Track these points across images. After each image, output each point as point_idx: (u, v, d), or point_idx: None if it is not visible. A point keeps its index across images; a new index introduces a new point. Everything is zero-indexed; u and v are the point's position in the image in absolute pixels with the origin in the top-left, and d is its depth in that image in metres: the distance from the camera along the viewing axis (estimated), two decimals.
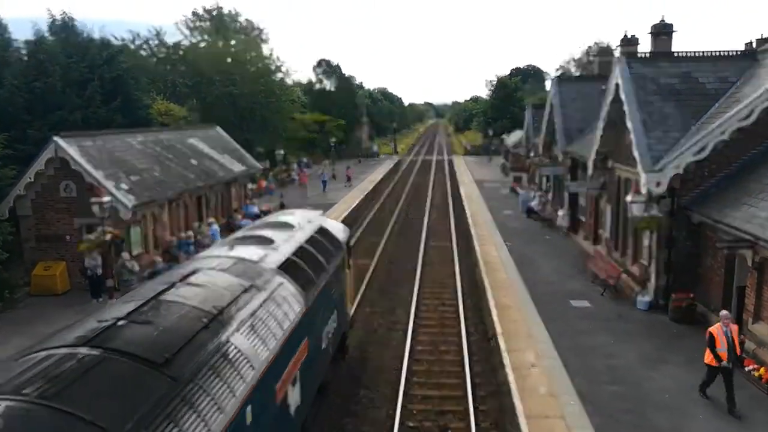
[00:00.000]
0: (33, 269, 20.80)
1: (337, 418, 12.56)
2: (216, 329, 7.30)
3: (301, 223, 13.52)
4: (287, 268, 10.41)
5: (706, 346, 11.69)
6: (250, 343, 7.68)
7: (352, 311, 17.21)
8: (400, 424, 12.21)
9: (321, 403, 12.43)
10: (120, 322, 6.81)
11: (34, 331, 16.77)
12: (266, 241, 11.29)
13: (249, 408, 7.04)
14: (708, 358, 11.68)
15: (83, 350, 6.07)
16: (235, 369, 7.01)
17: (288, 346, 8.85)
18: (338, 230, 14.95)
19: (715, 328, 11.64)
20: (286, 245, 11.41)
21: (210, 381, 6.44)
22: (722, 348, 11.47)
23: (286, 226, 12.95)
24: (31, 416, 4.92)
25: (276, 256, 10.62)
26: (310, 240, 12.51)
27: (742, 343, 12.41)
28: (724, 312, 12.18)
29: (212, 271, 9.21)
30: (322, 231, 13.72)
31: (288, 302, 9.47)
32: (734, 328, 11.76)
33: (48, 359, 5.98)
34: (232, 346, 7.27)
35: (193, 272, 8.98)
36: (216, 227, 25.99)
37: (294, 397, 9.32)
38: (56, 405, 5.06)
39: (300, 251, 11.50)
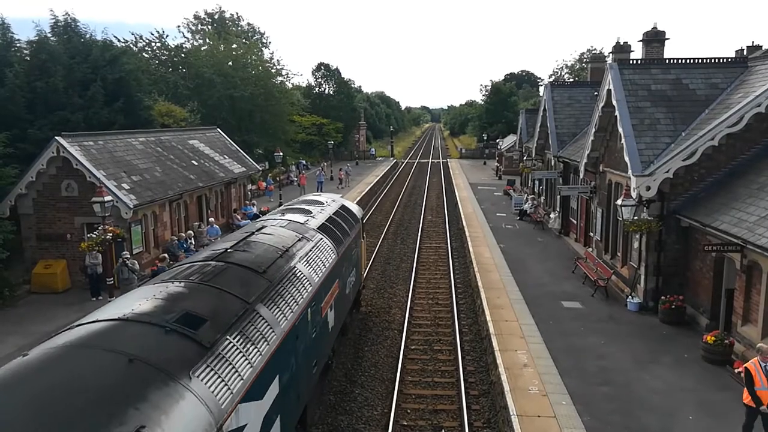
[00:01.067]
0: (34, 267, 21.02)
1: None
2: (287, 258, 11.07)
3: (328, 201, 17.83)
4: (323, 229, 14.38)
5: (743, 384, 10.44)
6: (307, 271, 11.40)
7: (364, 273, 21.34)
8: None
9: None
10: (229, 250, 10.43)
11: (35, 329, 17.02)
12: (306, 212, 15.35)
13: (309, 310, 10.69)
14: (746, 397, 10.23)
15: (212, 263, 9.66)
16: (300, 283, 10.63)
17: (327, 280, 12.51)
18: (355, 209, 19.20)
19: (752, 364, 10.15)
20: (320, 215, 15.46)
21: (288, 286, 10.07)
22: (762, 386, 9.98)
23: (318, 203, 17.18)
24: (200, 289, 8.37)
25: (315, 221, 14.59)
26: (336, 213, 16.56)
27: None
28: (762, 345, 10.45)
29: (275, 227, 12.98)
30: (344, 208, 17.88)
31: (326, 251, 13.32)
32: None
33: (193, 267, 9.49)
34: (297, 269, 10.98)
35: (263, 227, 12.75)
36: (217, 227, 26.37)
37: (330, 318, 13.05)
38: (212, 284, 8.53)
39: (330, 219, 15.47)
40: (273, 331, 8.56)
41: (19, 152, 22.63)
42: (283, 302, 9.49)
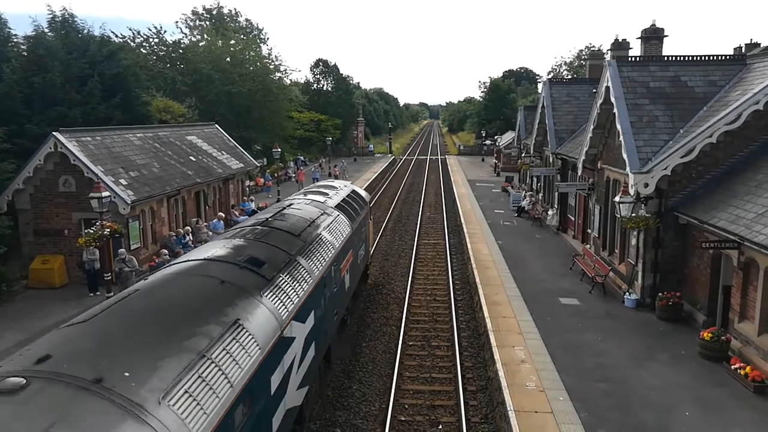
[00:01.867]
0: (31, 263, 21.01)
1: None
2: (314, 227, 13.75)
3: (341, 186, 20.88)
4: (339, 207, 17.03)
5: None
6: (330, 237, 14.08)
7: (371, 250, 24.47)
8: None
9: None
10: (269, 219, 13.19)
11: (32, 325, 17.01)
12: (324, 194, 18.13)
13: (332, 268, 13.30)
14: None
15: (259, 227, 12.36)
16: (325, 246, 13.27)
17: (344, 248, 15.14)
18: (364, 194, 22.07)
19: None
20: (336, 196, 18.24)
21: (317, 247, 12.68)
22: None
23: (333, 187, 20.14)
24: (256, 244, 11.04)
25: (332, 201, 17.33)
26: (348, 195, 19.28)
27: None
28: None
29: (301, 204, 15.72)
30: (354, 192, 20.75)
31: (343, 224, 16.04)
32: None
33: (245, 229, 12.26)
34: (322, 236, 13.62)
35: (291, 204, 15.64)
36: (221, 223, 26.83)
37: (346, 280, 15.72)
38: (263, 241, 11.24)
39: (344, 200, 18.18)
40: (309, 276, 11.32)
41: (16, 148, 22.62)
42: (315, 257, 12.21)
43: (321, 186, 20.56)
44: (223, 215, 27.86)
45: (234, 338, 7.49)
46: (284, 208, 14.72)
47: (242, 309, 8.21)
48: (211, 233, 25.23)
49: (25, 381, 5.33)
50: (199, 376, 6.40)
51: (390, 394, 13.64)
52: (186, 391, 6.06)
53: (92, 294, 19.80)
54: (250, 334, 7.91)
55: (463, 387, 13.94)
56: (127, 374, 5.77)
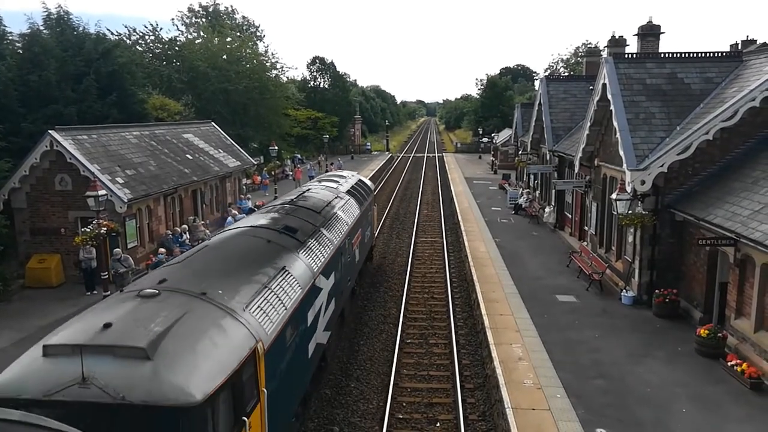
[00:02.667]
0: (27, 262, 20.96)
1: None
2: (330, 207, 16.49)
3: (350, 175, 23.82)
4: (349, 192, 20.09)
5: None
6: (343, 216, 16.89)
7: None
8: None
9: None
10: (293, 199, 16.11)
11: (29, 324, 16.98)
12: (336, 181, 21.24)
13: (345, 241, 15.90)
14: None
15: (287, 206, 15.20)
16: (340, 223, 16.07)
17: (354, 226, 17.91)
18: (369, 183, 25.53)
19: None
20: (345, 183, 21.32)
21: (334, 222, 15.48)
22: None
23: (343, 176, 23.11)
24: (287, 217, 13.75)
25: (343, 188, 20.22)
26: (356, 183, 22.33)
27: None
28: None
29: (317, 189, 18.69)
30: (361, 181, 23.58)
31: (353, 207, 18.97)
32: None
33: (276, 207, 15.20)
34: (338, 214, 16.47)
35: (309, 189, 18.66)
36: (236, 213, 28.30)
37: (356, 254, 18.48)
38: (293, 215, 13.97)
39: (353, 187, 21.29)
40: (331, 244, 14.07)
41: (12, 146, 22.51)
42: (333, 230, 15.01)
43: (332, 175, 23.93)
44: (235, 210, 28.88)
45: (284, 279, 10.31)
46: (304, 192, 17.74)
47: (286, 260, 11.06)
48: (209, 233, 25.20)
49: (157, 291, 7.97)
50: (265, 299, 9.13)
51: (388, 391, 13.65)
52: (259, 306, 8.77)
53: (89, 293, 19.76)
54: (294, 278, 10.73)
55: (461, 384, 13.95)
56: (220, 292, 8.43)
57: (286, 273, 10.51)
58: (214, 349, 7.15)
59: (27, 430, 4.54)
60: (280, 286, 9.90)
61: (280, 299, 9.56)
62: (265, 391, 8.21)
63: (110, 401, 6.14)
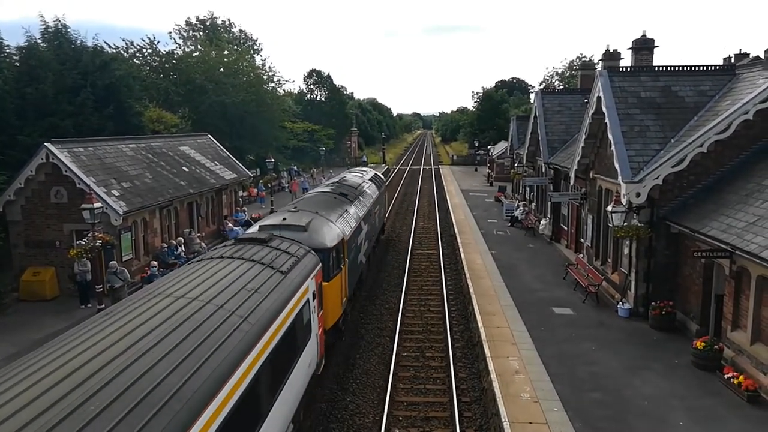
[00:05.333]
0: (22, 275, 20.85)
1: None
2: (361, 187, 25.32)
3: (368, 170, 33.80)
4: (371, 179, 28.89)
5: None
6: (369, 192, 25.59)
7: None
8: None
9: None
10: (337, 182, 25.10)
11: (23, 338, 16.86)
12: (361, 173, 30.08)
13: (371, 207, 24.15)
14: None
15: (337, 184, 24.43)
16: (367, 197, 24.45)
17: (375, 201, 26.08)
18: (382, 176, 34.71)
19: None
20: (367, 174, 30.05)
21: (364, 196, 24.11)
22: None
23: (364, 171, 32.44)
24: (338, 189, 22.39)
25: (366, 177, 28.84)
26: (374, 175, 31.21)
27: None
28: None
29: (351, 176, 27.56)
30: (377, 174, 32.70)
31: (374, 189, 27.50)
32: None
33: (328, 186, 24.13)
34: (366, 191, 25.22)
35: (344, 177, 27.11)
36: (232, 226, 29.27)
37: (376, 223, 26.47)
38: (340, 191, 22.13)
39: (371, 177, 29.81)
40: (364, 207, 22.21)
41: (7, 159, 22.51)
42: (365, 199, 23.54)
43: (356, 169, 33.83)
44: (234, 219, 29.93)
45: (349, 212, 19.07)
46: (344, 177, 27.13)
47: (347, 206, 19.79)
48: (204, 245, 25.15)
49: (296, 209, 17.04)
50: (343, 218, 17.91)
51: (384, 405, 13.57)
52: (341, 221, 17.43)
53: (83, 306, 19.67)
54: (350, 215, 19.11)
55: (458, 398, 13.88)
56: (323, 212, 16.82)
57: (347, 212, 19.30)
58: (329, 231, 15.76)
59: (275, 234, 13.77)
60: (347, 215, 18.87)
61: (348, 221, 18.34)
62: (347, 260, 16.91)
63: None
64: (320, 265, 13.34)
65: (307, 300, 11.64)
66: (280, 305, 9.55)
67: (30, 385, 5.55)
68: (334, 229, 15.98)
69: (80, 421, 5.02)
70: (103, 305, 17.35)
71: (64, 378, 5.69)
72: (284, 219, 15.38)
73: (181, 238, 24.89)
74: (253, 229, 15.61)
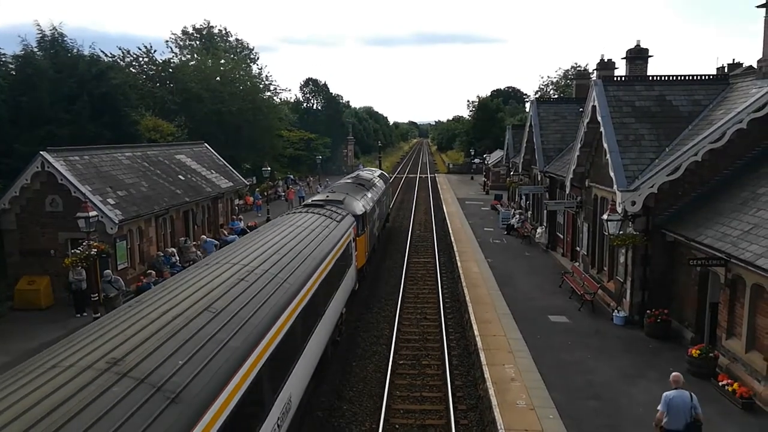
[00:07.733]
0: (17, 284, 20.75)
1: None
2: (374, 181, 33.97)
3: (376, 170, 47.38)
4: (378, 177, 37.65)
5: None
6: (378, 185, 33.84)
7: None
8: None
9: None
10: (354, 177, 33.98)
11: (17, 347, 16.76)
12: (371, 171, 42.77)
13: (381, 196, 32.30)
14: None
15: (354, 177, 33.71)
16: (378, 188, 32.82)
17: (383, 193, 34.31)
18: (387, 175, 47.11)
19: None
20: (376, 173, 40.43)
21: (373, 189, 30.87)
22: None
23: (372, 170, 45.06)
24: (357, 180, 31.50)
25: (375, 174, 39.29)
26: (381, 173, 42.48)
27: None
28: None
29: (364, 173, 37.63)
30: (383, 173, 44.13)
31: (382, 182, 36.55)
32: None
33: (349, 178, 34.27)
34: (377, 184, 33.66)
35: (358, 173, 37.39)
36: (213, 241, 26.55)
37: (384, 208, 35.99)
38: (357, 182, 30.37)
39: (379, 174, 39.93)
40: (376, 195, 30.04)
41: (3, 167, 22.47)
42: (376, 189, 31.41)
43: (366, 169, 43.51)
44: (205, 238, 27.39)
45: (367, 196, 26.88)
46: (358, 174, 35.50)
47: (365, 192, 27.40)
48: (200, 254, 25.10)
49: (332, 191, 26.66)
50: (364, 199, 25.71)
51: (380, 413, 13.54)
52: (363, 201, 25.12)
53: (79, 315, 19.57)
54: (369, 198, 26.99)
55: (454, 406, 13.86)
56: (351, 194, 24.81)
57: (365, 195, 26.07)
58: (357, 205, 23.20)
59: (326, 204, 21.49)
60: (366, 198, 25.55)
61: (367, 202, 25.10)
62: (367, 228, 23.48)
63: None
64: (355, 222, 20.79)
65: (350, 240, 19.08)
66: (340, 233, 17.40)
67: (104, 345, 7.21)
68: (359, 204, 23.70)
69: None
70: (99, 314, 17.27)
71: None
72: (327, 196, 23.83)
73: (173, 249, 24.72)
74: (308, 201, 23.73)
